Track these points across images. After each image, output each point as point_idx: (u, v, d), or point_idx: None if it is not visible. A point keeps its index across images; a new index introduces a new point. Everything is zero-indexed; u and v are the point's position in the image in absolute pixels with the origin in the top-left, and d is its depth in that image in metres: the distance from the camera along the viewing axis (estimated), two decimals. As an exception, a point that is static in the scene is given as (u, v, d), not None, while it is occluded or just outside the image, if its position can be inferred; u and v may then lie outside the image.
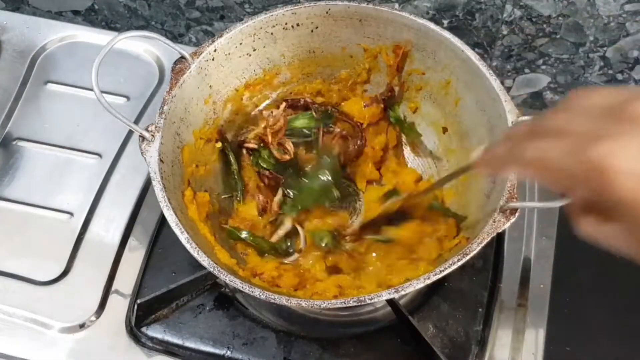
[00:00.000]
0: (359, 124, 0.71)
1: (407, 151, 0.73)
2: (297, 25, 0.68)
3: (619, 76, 0.82)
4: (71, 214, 0.72)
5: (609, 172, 0.32)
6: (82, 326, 0.66)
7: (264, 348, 0.63)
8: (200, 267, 0.54)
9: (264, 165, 0.70)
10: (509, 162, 0.40)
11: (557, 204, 0.52)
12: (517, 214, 0.54)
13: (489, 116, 0.61)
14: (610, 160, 0.32)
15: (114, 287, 0.68)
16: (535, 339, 0.64)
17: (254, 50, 0.68)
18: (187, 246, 0.54)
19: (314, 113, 0.71)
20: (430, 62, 0.67)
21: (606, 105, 0.35)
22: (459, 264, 0.52)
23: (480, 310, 0.64)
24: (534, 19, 0.76)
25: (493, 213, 0.54)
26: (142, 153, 0.58)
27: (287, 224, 0.67)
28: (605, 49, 0.78)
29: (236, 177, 0.69)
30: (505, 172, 0.41)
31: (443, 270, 0.52)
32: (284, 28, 0.68)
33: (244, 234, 0.66)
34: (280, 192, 0.69)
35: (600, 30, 0.76)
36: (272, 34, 0.68)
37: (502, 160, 0.41)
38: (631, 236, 0.35)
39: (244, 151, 0.71)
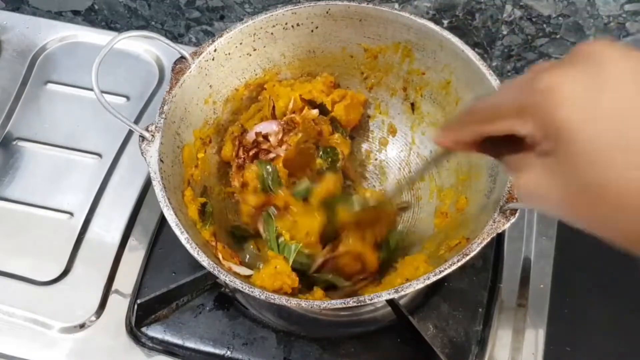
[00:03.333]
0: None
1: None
2: (297, 25, 0.68)
3: (619, 76, 0.81)
4: (71, 214, 0.72)
5: (554, 96, 0.32)
6: (82, 326, 0.66)
7: (264, 348, 0.63)
8: (200, 267, 0.54)
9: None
10: (463, 123, 0.40)
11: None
12: (517, 215, 0.54)
13: (489, 116, 0.61)
14: (555, 85, 0.32)
15: (114, 287, 0.68)
16: (535, 339, 0.64)
17: (254, 50, 0.68)
18: (187, 246, 0.54)
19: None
20: (430, 62, 0.67)
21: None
22: (459, 264, 0.52)
23: (480, 310, 0.64)
24: (534, 19, 0.76)
25: (493, 213, 0.54)
26: (142, 153, 0.59)
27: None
28: (605, 49, 0.78)
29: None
30: (461, 136, 0.41)
31: (443, 270, 0.52)
32: (284, 28, 0.68)
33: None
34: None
35: (600, 30, 0.76)
36: (272, 34, 0.68)
37: (457, 125, 0.41)
38: (565, 175, 0.34)
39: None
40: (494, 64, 0.84)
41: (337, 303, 0.52)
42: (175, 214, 0.56)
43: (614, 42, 0.34)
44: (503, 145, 0.38)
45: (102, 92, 0.57)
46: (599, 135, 0.32)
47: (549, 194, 0.35)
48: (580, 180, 0.33)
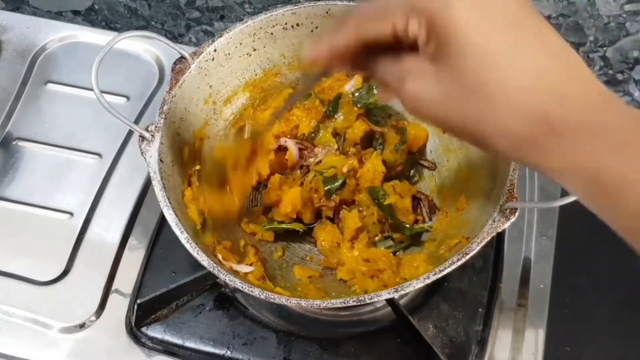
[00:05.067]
0: None
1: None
2: (297, 25, 0.68)
3: (619, 76, 0.82)
4: (71, 214, 0.72)
5: None
6: (82, 326, 0.66)
7: (264, 348, 0.63)
8: (200, 267, 0.54)
9: None
10: (343, 25, 0.38)
11: (557, 203, 0.52)
12: (516, 214, 0.54)
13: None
14: None
15: (114, 287, 0.68)
16: (535, 339, 0.64)
17: (254, 50, 0.68)
18: (187, 246, 0.54)
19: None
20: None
21: None
22: (459, 263, 0.52)
23: (480, 310, 0.64)
24: (534, 19, 0.76)
25: (493, 213, 0.54)
26: (142, 153, 0.59)
27: None
28: (605, 49, 0.78)
29: None
30: (337, 41, 0.38)
31: (443, 270, 0.52)
32: (284, 28, 0.68)
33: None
34: None
35: (600, 30, 0.76)
36: (272, 34, 0.68)
37: (334, 30, 0.38)
38: (450, 82, 0.34)
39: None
40: (494, 64, 0.84)
41: (337, 303, 0.52)
42: (175, 214, 0.56)
43: None
44: (381, 59, 0.37)
45: (102, 92, 0.57)
46: (488, 36, 0.32)
47: (435, 97, 0.35)
48: (465, 79, 0.33)
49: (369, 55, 0.38)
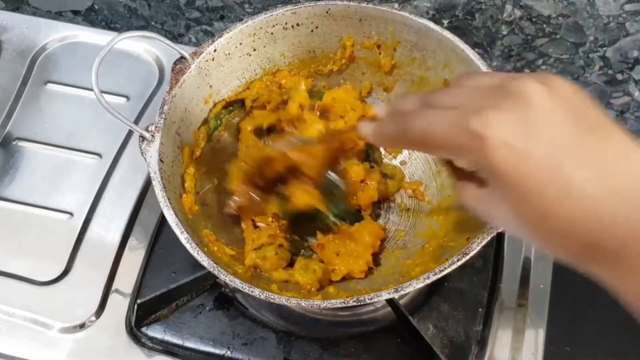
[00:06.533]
0: None
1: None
2: (297, 25, 0.68)
3: (619, 76, 0.82)
4: (71, 214, 0.72)
5: (487, 142, 0.35)
6: (82, 326, 0.66)
7: (264, 348, 0.63)
8: (200, 267, 0.54)
9: None
10: (397, 138, 0.42)
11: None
12: (517, 214, 0.54)
13: (489, 116, 0.61)
14: (488, 130, 0.35)
15: (114, 287, 0.68)
16: (535, 339, 0.64)
17: (254, 50, 0.68)
18: (187, 246, 0.54)
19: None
20: (430, 62, 0.67)
21: (492, 84, 0.37)
22: (459, 263, 0.52)
23: (480, 310, 0.64)
24: (534, 19, 0.76)
25: (493, 213, 0.54)
26: (142, 153, 0.59)
27: None
28: (605, 49, 0.78)
29: None
30: (395, 147, 0.44)
31: (443, 270, 0.52)
32: (284, 28, 0.68)
33: None
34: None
35: (600, 30, 0.76)
36: (272, 33, 0.68)
37: (390, 136, 0.42)
38: (505, 203, 0.37)
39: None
40: (494, 64, 0.84)
41: (337, 303, 0.52)
42: (175, 214, 0.56)
43: (546, 77, 0.36)
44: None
45: (102, 92, 0.57)
46: (530, 175, 0.34)
47: (488, 212, 0.39)
48: (516, 211, 0.36)
49: None
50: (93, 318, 0.66)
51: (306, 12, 0.67)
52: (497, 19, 0.78)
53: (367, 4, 0.66)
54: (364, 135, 0.44)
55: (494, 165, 0.35)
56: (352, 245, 0.63)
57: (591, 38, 0.77)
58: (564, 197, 0.34)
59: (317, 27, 0.68)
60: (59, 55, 0.85)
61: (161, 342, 0.64)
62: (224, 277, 0.53)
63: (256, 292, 0.52)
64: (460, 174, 0.41)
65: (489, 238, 0.53)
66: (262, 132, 0.68)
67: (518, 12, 0.76)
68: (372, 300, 0.52)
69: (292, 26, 0.68)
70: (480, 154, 0.35)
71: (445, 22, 0.80)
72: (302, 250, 0.65)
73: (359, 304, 0.52)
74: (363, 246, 0.63)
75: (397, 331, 0.64)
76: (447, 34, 0.63)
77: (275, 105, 0.71)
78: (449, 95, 0.39)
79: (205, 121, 0.68)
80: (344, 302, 0.52)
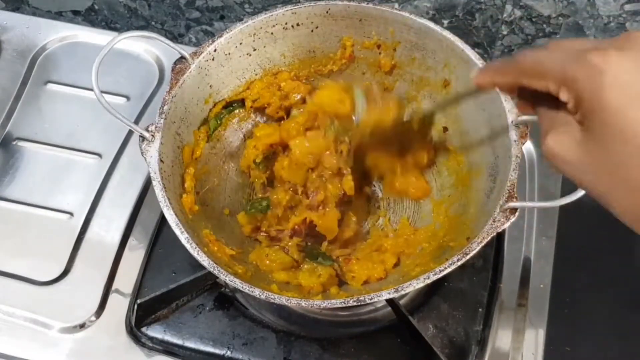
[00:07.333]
0: None
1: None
2: (297, 25, 0.68)
3: (619, 76, 0.81)
4: (71, 214, 0.72)
5: (605, 76, 0.34)
6: (82, 326, 0.66)
7: (264, 348, 0.63)
8: (200, 267, 0.54)
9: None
10: (506, 70, 0.41)
11: (557, 203, 0.52)
12: (516, 214, 0.54)
13: (488, 115, 0.61)
14: (608, 65, 0.34)
15: (114, 287, 0.68)
16: (535, 339, 0.64)
17: (254, 50, 0.68)
18: (187, 246, 0.54)
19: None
20: (430, 62, 0.67)
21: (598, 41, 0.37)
22: (459, 263, 0.52)
23: (480, 310, 0.64)
24: (534, 19, 0.76)
25: (493, 212, 0.54)
26: (142, 153, 0.59)
27: None
28: (605, 49, 0.78)
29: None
30: (501, 80, 0.42)
31: (443, 270, 0.52)
32: (284, 28, 0.68)
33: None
34: None
35: (600, 30, 0.76)
36: (272, 33, 0.68)
37: (499, 69, 0.42)
38: (600, 151, 0.35)
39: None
40: (494, 64, 0.84)
41: (337, 303, 0.52)
42: (175, 214, 0.56)
43: None
44: (539, 96, 0.39)
45: (102, 92, 0.57)
46: (637, 120, 0.33)
47: (573, 160, 0.37)
48: (609, 158, 0.35)
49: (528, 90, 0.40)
50: (93, 318, 0.66)
51: (306, 12, 0.67)
52: (497, 19, 0.78)
53: (367, 4, 0.66)
54: (476, 80, 0.44)
55: (605, 102, 0.34)
56: (375, 255, 0.64)
57: (591, 38, 0.77)
58: None
59: (317, 27, 0.68)
60: (59, 55, 0.85)
61: (161, 342, 0.64)
62: (224, 277, 0.53)
63: (256, 292, 0.52)
64: (544, 118, 0.40)
65: (489, 238, 0.53)
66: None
67: (518, 12, 0.76)
68: (372, 300, 0.52)
69: (292, 26, 0.68)
70: (594, 85, 0.34)
71: (445, 22, 0.80)
72: (320, 258, 0.65)
73: (359, 304, 0.52)
74: (388, 255, 0.64)
75: (397, 331, 0.64)
76: (447, 34, 0.63)
77: (275, 108, 0.71)
78: (560, 43, 0.39)
79: (205, 121, 0.68)
80: (344, 302, 0.52)
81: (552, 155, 0.38)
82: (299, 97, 0.71)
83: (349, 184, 0.65)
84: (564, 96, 0.37)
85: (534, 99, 0.41)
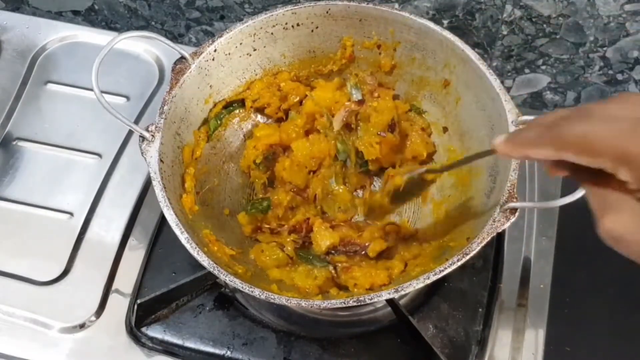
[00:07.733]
0: None
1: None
2: (297, 25, 0.68)
3: (619, 76, 0.82)
4: (71, 214, 0.72)
5: None
6: (82, 326, 0.66)
7: (264, 348, 0.63)
8: (200, 267, 0.54)
9: None
10: (544, 142, 0.36)
11: (557, 203, 0.52)
12: (517, 214, 0.54)
13: (489, 116, 0.61)
14: None
15: (114, 287, 0.68)
16: (535, 339, 0.64)
17: (254, 50, 0.68)
18: (187, 246, 0.54)
19: None
20: (430, 62, 0.67)
21: None
22: (459, 263, 0.52)
23: (480, 310, 0.64)
24: (534, 19, 0.76)
25: (493, 213, 0.54)
26: (142, 153, 0.59)
27: None
28: (605, 49, 0.78)
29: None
30: (536, 154, 0.37)
31: (443, 270, 0.52)
32: (284, 28, 0.68)
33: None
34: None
35: (600, 30, 0.76)
36: (272, 34, 0.68)
37: (534, 140, 0.37)
38: None
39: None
40: (494, 64, 0.84)
41: (337, 303, 0.52)
42: (176, 214, 0.56)
43: None
44: (584, 169, 0.35)
45: (102, 92, 0.57)
46: None
47: (633, 239, 0.34)
48: None
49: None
50: (93, 318, 0.66)
51: (306, 12, 0.67)
52: (497, 19, 0.78)
53: (367, 4, 0.66)
54: (501, 150, 0.40)
55: None
56: (380, 262, 0.64)
57: (591, 38, 0.77)
58: None
59: (317, 27, 0.68)
60: (59, 55, 0.85)
61: (161, 342, 0.64)
62: (224, 277, 0.53)
63: (256, 292, 0.52)
64: (595, 196, 0.36)
65: (489, 238, 0.53)
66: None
67: (518, 12, 0.76)
68: (372, 301, 0.52)
69: (292, 26, 0.68)
70: None
71: (445, 22, 0.80)
72: (317, 262, 0.64)
73: (359, 304, 0.52)
74: (395, 262, 0.63)
75: (397, 331, 0.64)
76: (447, 34, 0.63)
77: (275, 109, 0.71)
78: (610, 107, 0.34)
79: (206, 121, 0.68)
80: (344, 302, 0.52)
81: (614, 239, 0.34)
82: (297, 99, 0.71)
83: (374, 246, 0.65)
84: (624, 176, 0.33)
85: (574, 171, 0.37)
